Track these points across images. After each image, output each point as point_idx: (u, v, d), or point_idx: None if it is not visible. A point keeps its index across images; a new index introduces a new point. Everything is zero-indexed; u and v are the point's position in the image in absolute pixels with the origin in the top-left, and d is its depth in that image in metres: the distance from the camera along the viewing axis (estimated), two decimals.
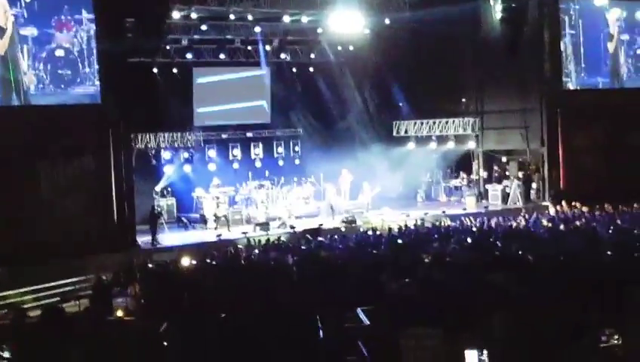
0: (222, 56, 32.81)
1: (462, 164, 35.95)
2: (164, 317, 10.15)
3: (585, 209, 26.76)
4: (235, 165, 35.26)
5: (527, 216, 27.14)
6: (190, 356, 7.66)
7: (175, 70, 32.52)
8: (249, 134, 36.18)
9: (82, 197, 25.03)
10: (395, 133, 36.12)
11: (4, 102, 24.41)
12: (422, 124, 35.09)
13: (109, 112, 25.71)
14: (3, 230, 23.09)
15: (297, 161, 37.27)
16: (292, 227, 28.47)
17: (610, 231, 20.81)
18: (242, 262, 20.22)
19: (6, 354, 8.42)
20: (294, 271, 16.52)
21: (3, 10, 24.11)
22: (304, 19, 31.13)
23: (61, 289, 20.72)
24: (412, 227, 25.79)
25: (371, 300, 10.48)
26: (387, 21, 32.05)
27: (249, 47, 33.47)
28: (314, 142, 35.76)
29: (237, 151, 35.58)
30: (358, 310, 9.75)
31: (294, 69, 35.88)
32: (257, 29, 31.44)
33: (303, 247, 22.35)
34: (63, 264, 22.34)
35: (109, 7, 25.53)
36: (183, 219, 31.17)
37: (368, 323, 9.28)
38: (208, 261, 21.14)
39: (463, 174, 35.65)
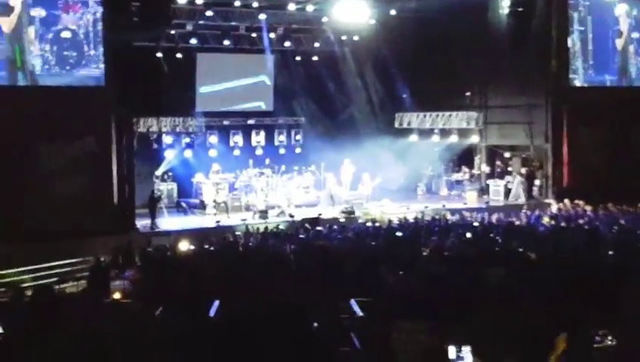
0: (226, 42, 32.77)
1: (464, 158, 35.89)
2: (161, 301, 10.15)
3: (588, 207, 26.64)
4: (236, 152, 35.30)
5: (528, 213, 27.10)
6: (183, 341, 7.64)
7: (179, 55, 32.50)
8: (251, 121, 36.19)
9: (83, 178, 25.02)
10: (397, 125, 36.10)
11: (10, 82, 24.47)
12: (425, 116, 35.07)
13: (112, 95, 25.70)
14: (3, 210, 23.09)
15: (298, 150, 37.29)
16: (291, 216, 28.47)
17: (612, 231, 20.73)
18: (240, 249, 20.21)
19: None
20: (292, 259, 16.52)
21: None
22: (309, 7, 31.09)
23: (60, 270, 20.70)
24: (412, 220, 25.75)
25: (367, 292, 10.48)
26: (393, 11, 31.96)
27: (253, 35, 33.47)
28: (316, 132, 35.73)
29: (238, 138, 35.64)
30: (352, 301, 9.74)
31: (298, 58, 35.84)
32: (262, 17, 31.46)
33: (301, 236, 22.36)
34: (62, 245, 22.35)
35: None
36: (182, 204, 31.19)
37: (361, 314, 9.28)
38: (206, 246, 21.16)
39: (465, 168, 35.58)
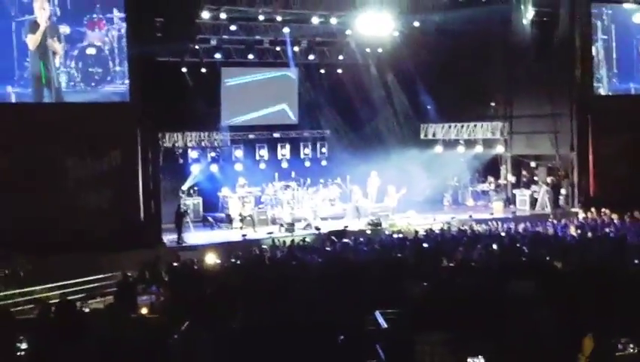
0: (250, 56, 32.91)
1: (490, 168, 35.74)
2: (187, 316, 10.17)
3: (614, 216, 26.47)
4: (262, 165, 35.35)
5: (555, 223, 26.94)
6: (208, 356, 7.67)
7: (204, 70, 32.65)
8: (276, 135, 36.24)
9: (109, 194, 25.16)
10: (422, 136, 36.06)
11: (36, 99, 24.68)
12: (450, 127, 35.01)
13: (137, 111, 25.84)
14: (30, 225, 23.22)
15: (324, 163, 37.26)
16: (317, 228, 28.46)
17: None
18: (266, 262, 20.21)
19: (23, 346, 8.49)
20: (317, 272, 16.50)
21: (41, 6, 24.36)
22: (333, 20, 31.09)
23: (87, 286, 20.79)
24: (438, 231, 25.68)
25: (392, 303, 10.46)
26: (416, 23, 31.91)
27: (277, 48, 33.52)
28: (341, 144, 35.71)
29: (264, 152, 35.69)
30: (377, 313, 9.72)
31: (322, 71, 35.88)
32: (286, 30, 31.46)
33: (327, 249, 22.33)
34: (89, 260, 22.42)
35: (140, 7, 25.69)
36: (208, 218, 31.25)
37: (386, 326, 9.26)
38: (233, 260, 21.19)
39: (490, 179, 35.45)
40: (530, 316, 7.07)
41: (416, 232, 25.09)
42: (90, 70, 25.28)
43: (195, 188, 32.33)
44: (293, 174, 34.34)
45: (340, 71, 36.14)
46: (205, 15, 28.88)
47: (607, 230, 23.79)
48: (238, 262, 20.84)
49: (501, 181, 35.32)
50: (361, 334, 8.91)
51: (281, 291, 12.72)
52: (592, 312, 8.30)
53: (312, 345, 7.51)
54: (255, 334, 8.51)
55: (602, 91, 32.64)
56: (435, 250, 19.69)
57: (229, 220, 30.54)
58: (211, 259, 21.40)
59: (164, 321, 11.08)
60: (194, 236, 28.21)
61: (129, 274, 19.30)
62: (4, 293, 19.94)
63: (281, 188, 32.83)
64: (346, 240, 24.60)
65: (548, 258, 16.54)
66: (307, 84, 35.61)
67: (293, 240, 24.94)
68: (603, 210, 27.98)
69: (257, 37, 32.33)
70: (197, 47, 31.55)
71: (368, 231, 27.86)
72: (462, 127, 34.68)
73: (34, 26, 24.31)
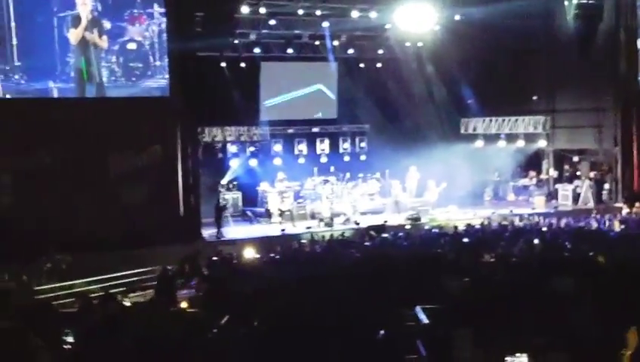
0: (290, 50, 32.85)
1: (531, 162, 35.40)
2: (227, 310, 10.16)
3: None
4: (301, 160, 35.32)
5: (598, 218, 26.64)
6: (249, 350, 7.64)
7: (243, 64, 32.66)
8: (315, 129, 36.20)
9: (149, 188, 25.31)
10: (463, 131, 35.82)
11: (79, 94, 24.91)
12: (491, 121, 34.75)
13: (177, 106, 25.96)
14: (72, 219, 23.45)
15: (363, 157, 37.14)
16: (356, 223, 28.44)
17: None
18: (305, 256, 20.20)
19: (69, 339, 8.54)
20: (356, 267, 16.44)
21: (82, 1, 24.55)
22: (372, 14, 31.03)
23: (127, 280, 20.92)
24: (478, 226, 25.51)
25: (432, 299, 10.38)
26: (457, 17, 31.72)
27: (316, 42, 33.43)
28: (380, 139, 35.51)
29: (303, 146, 35.66)
30: (417, 308, 9.64)
31: (362, 65, 35.78)
32: (325, 24, 31.39)
33: (366, 243, 22.26)
34: (130, 254, 22.56)
35: (180, 2, 25.88)
36: (247, 212, 31.32)
37: (427, 322, 9.18)
38: (272, 255, 21.20)
39: (532, 173, 35.12)
40: (572, 312, 6.96)
41: (456, 227, 24.92)
42: (130, 65, 25.49)
43: (235, 183, 32.38)
44: (332, 169, 34.32)
45: (379, 65, 36.01)
46: (244, 10, 28.93)
47: None
48: (277, 256, 20.83)
49: (543, 176, 35.00)
50: (401, 330, 8.84)
51: (320, 287, 12.69)
52: (636, 308, 8.15)
53: (352, 341, 7.45)
54: (293, 330, 8.46)
55: None
56: (475, 245, 19.56)
57: (268, 215, 30.57)
58: (250, 253, 21.43)
59: (204, 315, 11.08)
60: (233, 230, 28.28)
61: (169, 268, 19.40)
62: (46, 287, 20.14)
63: (320, 182, 32.80)
64: (385, 234, 24.53)
65: (591, 253, 16.32)
66: (346, 79, 35.46)
67: (332, 235, 24.92)
68: None
69: (296, 31, 32.28)
70: (236, 41, 31.54)
71: (408, 226, 27.71)
72: (503, 121, 34.40)
73: (76, 21, 24.51)
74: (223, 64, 32.09)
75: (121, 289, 19.36)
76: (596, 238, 20.17)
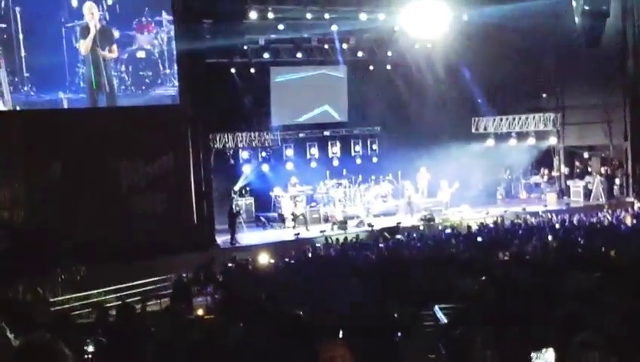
0: (299, 55, 32.93)
1: (542, 160, 35.41)
2: (243, 316, 10.18)
3: None
4: (313, 164, 35.31)
5: (610, 213, 26.63)
6: (263, 355, 7.64)
7: (252, 70, 32.72)
8: (326, 133, 36.18)
9: (162, 196, 25.38)
10: (473, 130, 35.75)
11: (90, 103, 24.97)
12: (501, 120, 34.70)
13: (188, 113, 26.02)
14: (85, 229, 23.49)
15: (375, 159, 37.11)
16: (370, 225, 28.43)
17: None
18: (319, 260, 20.22)
19: (90, 349, 8.58)
20: (372, 268, 16.46)
21: (90, 11, 24.60)
22: (381, 16, 31.03)
23: (142, 289, 20.94)
24: (492, 225, 25.49)
25: (449, 299, 10.39)
26: (465, 17, 31.68)
27: (325, 46, 33.49)
28: (391, 140, 35.50)
29: (314, 150, 35.65)
30: (436, 308, 9.66)
31: (371, 67, 35.78)
32: (334, 28, 31.40)
33: (380, 245, 22.27)
34: (144, 263, 22.59)
35: (188, 9, 25.87)
36: (261, 218, 31.36)
37: (446, 321, 9.20)
38: (287, 260, 21.22)
39: (543, 170, 35.13)
40: (593, 308, 6.94)
41: (469, 227, 24.92)
42: (140, 73, 25.53)
43: (247, 189, 32.41)
44: (344, 172, 34.29)
45: (389, 67, 36.01)
46: (253, 15, 28.91)
47: None
48: (292, 261, 20.86)
49: (554, 173, 35.01)
50: (420, 329, 8.86)
51: (335, 290, 12.70)
52: None
53: (371, 342, 7.46)
54: (310, 333, 8.47)
55: None
56: (489, 243, 19.56)
57: (281, 220, 30.60)
58: (265, 258, 21.47)
59: (220, 322, 11.09)
60: (247, 236, 28.31)
61: (184, 275, 19.44)
62: (62, 298, 20.19)
63: (332, 186, 32.82)
64: (399, 236, 24.54)
65: (604, 249, 16.31)
66: (356, 81, 35.46)
67: (346, 238, 24.94)
68: None
69: (305, 35, 32.31)
70: (245, 47, 31.60)
71: (421, 227, 27.73)
72: (513, 119, 34.36)
73: (84, 31, 24.56)
74: (233, 70, 32.18)
75: (136, 298, 19.37)
76: (609, 234, 20.16)
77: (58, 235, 22.78)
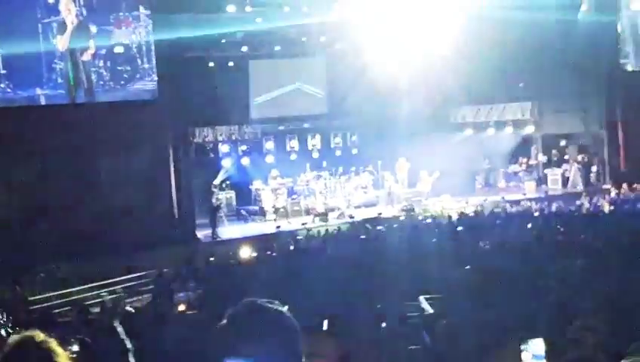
0: (277, 47, 32.87)
1: (520, 149, 35.63)
2: (225, 311, 10.16)
3: None
4: (293, 156, 35.26)
5: (588, 200, 26.86)
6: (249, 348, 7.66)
7: (231, 63, 32.64)
8: (306, 125, 36.12)
9: (142, 192, 25.30)
10: (452, 120, 35.89)
11: (69, 99, 24.82)
12: (479, 110, 34.85)
13: (167, 107, 25.93)
14: (65, 226, 23.38)
15: (354, 151, 37.07)
16: (351, 216, 28.51)
17: None
18: (301, 252, 20.21)
19: (75, 348, 8.55)
20: (354, 260, 16.48)
21: (66, 6, 24.44)
22: (359, 7, 30.94)
23: (123, 285, 20.84)
24: (472, 214, 25.60)
25: (432, 288, 10.43)
26: (442, 8, 31.61)
27: (304, 38, 33.36)
28: (371, 131, 35.53)
29: (294, 143, 35.61)
30: (421, 298, 9.69)
31: (350, 58, 35.70)
32: (312, 20, 31.31)
33: (362, 237, 22.30)
34: (125, 259, 22.52)
35: (165, 3, 25.79)
36: (242, 211, 31.35)
37: (431, 311, 9.24)
38: (268, 253, 21.21)
39: (522, 159, 35.34)
40: (578, 295, 7.01)
41: (450, 216, 25.01)
42: (119, 68, 25.40)
43: (228, 182, 32.34)
44: (324, 164, 34.34)
45: (367, 58, 35.95)
46: (231, 9, 28.81)
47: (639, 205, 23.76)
48: (274, 254, 20.85)
49: (532, 161, 35.24)
50: (406, 320, 8.89)
51: (317, 282, 12.71)
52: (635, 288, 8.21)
53: (356, 335, 7.47)
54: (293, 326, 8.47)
55: (630, 67, 32.27)
56: (470, 233, 19.63)
57: (262, 213, 30.62)
58: (246, 252, 21.45)
59: (203, 317, 11.08)
60: (228, 230, 28.29)
61: (165, 271, 19.39)
62: (42, 296, 20.05)
63: (313, 178, 32.86)
64: (380, 227, 24.58)
65: (583, 235, 16.47)
66: (335, 73, 35.41)
67: (327, 230, 24.97)
68: (635, 185, 27.93)
69: (284, 28, 32.21)
70: (223, 40, 31.50)
71: (402, 217, 27.79)
72: (491, 109, 34.52)
73: (61, 27, 24.42)
74: (211, 63, 32.07)
75: (117, 295, 19.29)
76: (587, 220, 20.35)
77: (38, 233, 22.69)
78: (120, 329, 7.11)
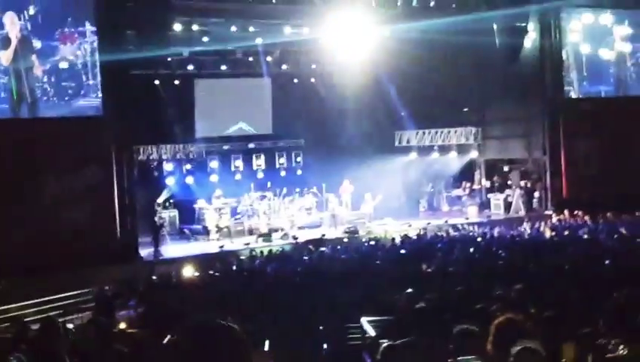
0: (223, 67, 32.93)
1: (464, 173, 35.98)
2: (168, 329, 10.10)
3: (587, 217, 26.83)
4: (237, 176, 35.27)
5: (529, 225, 27.18)
6: None
7: (177, 82, 32.60)
8: (251, 145, 36.18)
9: (85, 209, 24.97)
10: (397, 143, 36.17)
11: (12, 114, 24.47)
12: (424, 133, 35.15)
13: (111, 124, 25.71)
14: (6, 243, 23.03)
15: (299, 172, 37.19)
16: (295, 237, 28.49)
17: (613, 239, 20.78)
18: (244, 273, 20.16)
19: None
20: (297, 282, 16.50)
21: (11, 20, 24.14)
22: (305, 30, 31.08)
23: (64, 302, 20.59)
24: (414, 237, 25.74)
25: (375, 311, 10.47)
26: (387, 32, 31.89)
27: (250, 59, 33.47)
28: (316, 153, 35.62)
29: (239, 162, 35.63)
30: (363, 320, 9.72)
31: (295, 80, 35.87)
32: (259, 41, 31.37)
33: (305, 258, 22.31)
34: (66, 276, 22.20)
35: (112, 20, 25.60)
36: (185, 230, 31.15)
37: (373, 334, 9.27)
38: (211, 272, 21.11)
39: (465, 184, 35.65)
40: (518, 319, 7.09)
41: (393, 239, 25.13)
42: (63, 84, 25.09)
43: (171, 201, 32.21)
44: (269, 184, 34.30)
45: (313, 80, 36.14)
46: (177, 27, 28.76)
47: (580, 232, 24.02)
48: (217, 274, 20.75)
49: (475, 186, 35.57)
50: (347, 342, 8.91)
51: (260, 303, 12.70)
52: (574, 314, 8.34)
53: (298, 353, 7.49)
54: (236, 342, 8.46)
55: (573, 94, 32.82)
56: (412, 256, 19.74)
57: (205, 232, 30.43)
58: (189, 271, 21.33)
59: (145, 335, 10.99)
60: (171, 249, 28.09)
61: (106, 288, 19.19)
62: None
63: (257, 198, 32.81)
64: (323, 248, 24.61)
65: (524, 261, 16.64)
66: (281, 94, 35.53)
67: (270, 250, 24.94)
68: (576, 211, 28.33)
69: (230, 48, 32.25)
70: (169, 59, 31.43)
71: (345, 239, 27.87)
72: (436, 133, 34.85)
73: (5, 42, 24.10)
74: (157, 82, 31.99)
75: (57, 311, 19.04)
76: (528, 246, 20.58)
77: None
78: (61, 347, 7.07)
